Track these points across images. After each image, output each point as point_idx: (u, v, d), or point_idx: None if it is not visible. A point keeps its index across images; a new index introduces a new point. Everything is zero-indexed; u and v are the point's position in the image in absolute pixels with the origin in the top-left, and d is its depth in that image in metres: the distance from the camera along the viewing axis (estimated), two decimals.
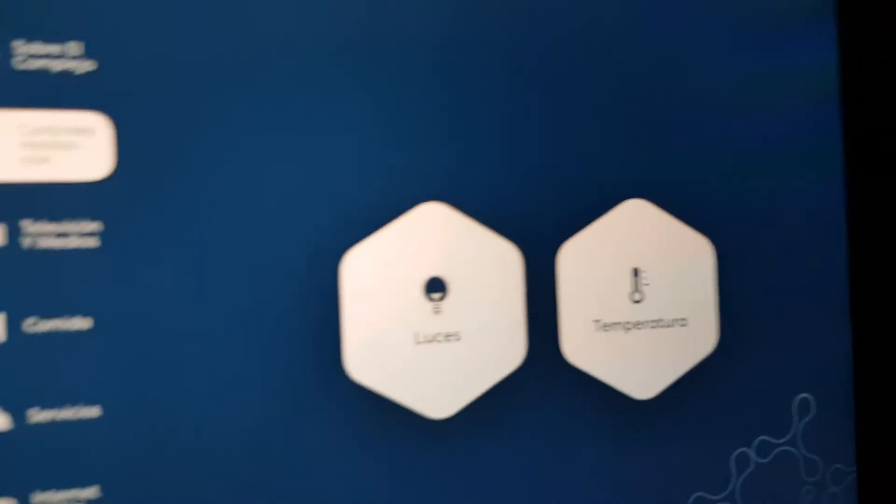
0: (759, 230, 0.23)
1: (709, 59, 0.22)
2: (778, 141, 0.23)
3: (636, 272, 0.22)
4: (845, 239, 0.23)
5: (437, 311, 0.20)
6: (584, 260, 0.21)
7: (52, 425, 0.17)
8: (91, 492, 0.17)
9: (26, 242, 0.17)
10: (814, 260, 0.23)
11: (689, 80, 0.22)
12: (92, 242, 0.17)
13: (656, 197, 0.22)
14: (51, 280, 0.17)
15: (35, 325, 0.17)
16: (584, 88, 0.21)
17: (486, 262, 0.21)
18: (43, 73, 0.17)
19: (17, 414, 0.17)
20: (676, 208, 0.22)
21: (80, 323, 0.17)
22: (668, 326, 0.22)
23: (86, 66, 0.17)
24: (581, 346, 0.21)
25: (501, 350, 0.21)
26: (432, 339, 0.20)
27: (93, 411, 0.17)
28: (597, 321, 0.21)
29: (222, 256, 0.18)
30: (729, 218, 0.22)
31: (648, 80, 0.22)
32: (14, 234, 0.17)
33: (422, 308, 0.20)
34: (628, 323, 0.22)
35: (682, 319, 0.22)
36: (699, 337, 0.22)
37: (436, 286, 0.20)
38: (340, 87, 0.19)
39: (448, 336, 0.20)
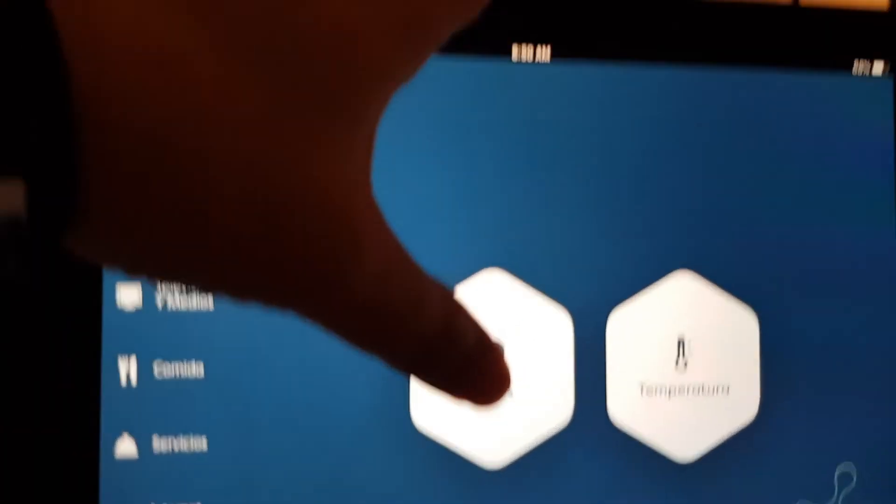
0: (803, 303, 0.24)
1: (754, 153, 0.24)
2: (821, 218, 0.24)
3: (681, 340, 0.23)
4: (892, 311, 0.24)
5: None
6: (631, 327, 0.23)
7: (171, 454, 0.20)
8: None
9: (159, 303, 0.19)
10: (856, 333, 0.24)
11: (738, 171, 0.24)
12: (209, 305, 0.20)
13: (703, 269, 0.23)
14: (175, 335, 0.20)
15: (160, 369, 0.20)
16: (645, 176, 0.23)
17: (539, 324, 0.22)
18: None
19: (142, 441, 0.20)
20: (723, 280, 0.23)
21: (196, 369, 0.20)
22: (711, 393, 0.23)
23: None
24: (626, 409, 0.23)
25: (551, 408, 0.22)
26: None
27: (201, 442, 0.20)
28: (642, 385, 0.23)
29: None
30: (774, 291, 0.24)
31: (701, 169, 0.23)
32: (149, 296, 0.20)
33: None
34: (672, 388, 0.23)
35: (725, 387, 0.23)
36: (741, 404, 0.24)
37: None
38: (432, 166, 0.21)
39: None
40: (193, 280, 0.13)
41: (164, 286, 0.18)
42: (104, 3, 0.11)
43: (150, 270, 0.12)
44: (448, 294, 0.17)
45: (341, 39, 0.13)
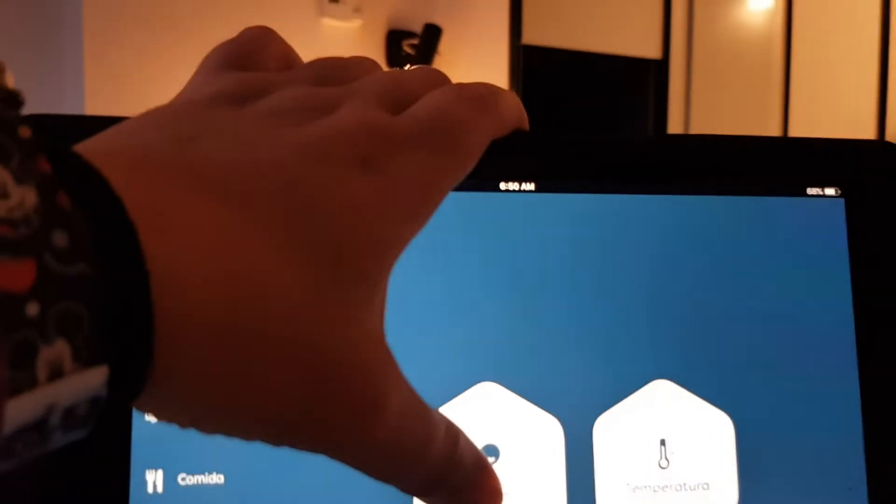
0: (773, 408, 0.26)
1: (721, 271, 0.27)
2: (788, 337, 0.27)
3: (663, 442, 0.26)
4: (859, 419, 0.27)
5: None
6: (616, 431, 0.25)
7: None
8: None
9: None
10: (825, 436, 0.26)
11: (708, 289, 0.26)
12: None
13: (680, 378, 0.26)
14: (195, 445, 0.22)
15: (184, 480, 0.22)
16: (623, 294, 0.26)
17: (533, 432, 0.25)
18: None
19: None
20: (698, 388, 0.26)
21: (215, 479, 0.23)
22: (693, 490, 0.26)
23: None
24: (613, 500, 0.25)
25: None
26: None
27: None
28: (628, 484, 0.25)
29: None
30: (745, 396, 0.26)
31: (674, 288, 0.26)
32: None
33: None
34: (656, 486, 0.25)
35: (705, 483, 0.26)
36: (721, 499, 0.26)
37: (489, 451, 0.25)
38: (430, 292, 0.24)
39: None
40: (243, 434, 0.16)
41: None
42: (181, 214, 0.14)
43: (204, 428, 0.15)
44: (451, 425, 0.20)
45: (364, 233, 0.17)
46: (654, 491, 0.25)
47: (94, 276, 0.13)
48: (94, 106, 2.17)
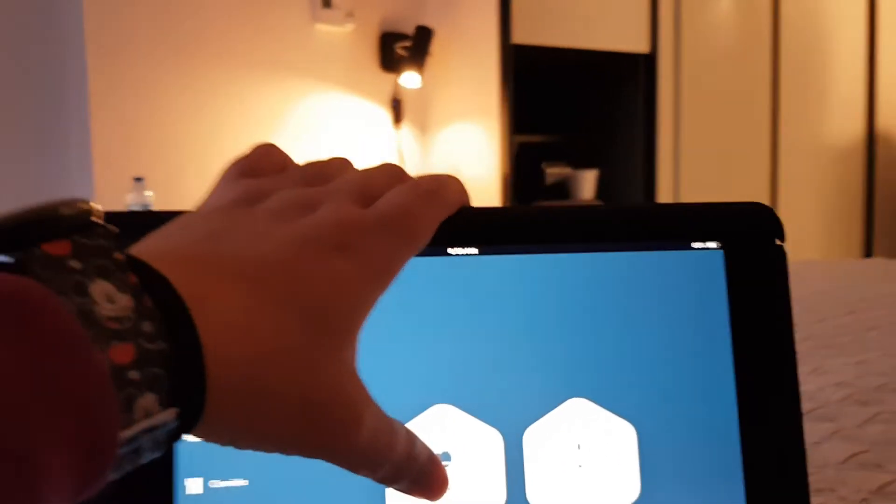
0: (666, 418, 0.34)
1: (623, 314, 0.34)
2: (679, 362, 0.34)
3: (579, 446, 0.33)
4: (737, 426, 0.34)
5: None
6: (542, 438, 0.33)
7: None
8: None
9: None
10: (708, 440, 0.34)
11: (612, 327, 0.34)
12: None
13: (592, 396, 0.33)
14: (224, 457, 0.30)
15: (215, 484, 0.30)
16: (546, 333, 0.33)
17: (478, 441, 0.32)
18: None
19: None
20: (606, 403, 0.33)
21: (241, 482, 0.30)
22: (604, 484, 0.33)
23: None
24: (542, 496, 0.33)
25: (490, 498, 0.32)
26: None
27: None
28: (552, 481, 0.33)
29: None
30: (644, 409, 0.34)
31: (588, 327, 0.34)
32: None
33: None
34: (574, 482, 0.33)
35: (614, 479, 0.33)
36: (627, 488, 0.33)
37: (444, 457, 0.32)
38: (394, 335, 0.32)
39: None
40: (265, 449, 0.24)
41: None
42: (224, 301, 0.21)
43: (238, 446, 0.23)
44: (409, 431, 0.27)
45: (343, 300, 0.24)
46: (573, 486, 0.33)
47: (169, 351, 0.20)
48: (99, 130, 2.23)
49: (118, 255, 0.20)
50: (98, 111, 2.22)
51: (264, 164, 0.29)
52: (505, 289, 0.34)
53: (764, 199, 3.20)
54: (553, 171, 3.01)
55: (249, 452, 0.30)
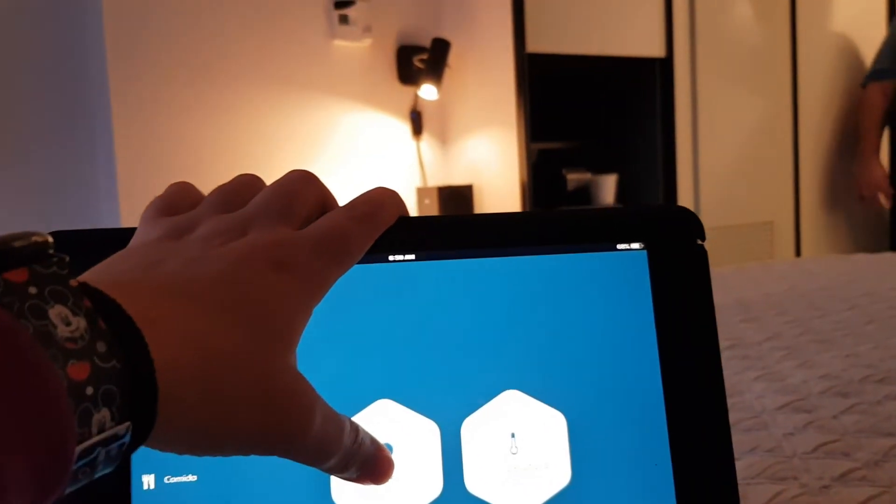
0: (594, 407, 0.36)
1: (554, 313, 0.37)
2: (605, 354, 0.37)
3: (513, 434, 0.36)
4: (663, 412, 0.37)
5: None
6: (479, 428, 0.36)
7: None
8: None
9: None
10: (635, 427, 0.36)
11: (544, 326, 0.37)
12: None
13: (525, 388, 0.36)
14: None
15: (169, 480, 0.33)
16: (482, 333, 0.36)
17: (417, 432, 0.35)
18: None
19: None
20: (538, 394, 0.36)
21: (191, 478, 0.33)
22: (536, 469, 0.36)
23: None
24: (478, 482, 0.35)
25: (428, 487, 0.35)
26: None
27: None
28: (488, 468, 0.35)
29: None
30: (574, 400, 0.36)
31: (522, 327, 0.36)
32: None
33: None
34: (509, 468, 0.36)
35: (546, 464, 0.36)
36: (558, 475, 0.36)
37: (387, 447, 0.35)
38: (339, 338, 0.35)
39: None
40: (222, 454, 0.26)
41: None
42: (170, 314, 0.24)
43: (196, 453, 0.25)
44: (353, 422, 0.30)
45: (282, 311, 0.27)
46: (508, 472, 0.36)
47: (122, 368, 0.22)
48: (124, 147, 2.29)
49: (73, 282, 0.22)
50: (121, 128, 2.29)
51: (179, 200, 0.32)
52: (442, 292, 0.37)
53: (788, 202, 3.19)
54: (574, 177, 3.03)
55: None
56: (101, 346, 0.21)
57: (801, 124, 3.23)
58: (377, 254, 0.36)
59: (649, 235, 0.38)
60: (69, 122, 2.31)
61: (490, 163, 2.81)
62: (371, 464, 0.31)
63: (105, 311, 0.22)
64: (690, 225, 0.38)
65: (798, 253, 3.25)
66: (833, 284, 1.30)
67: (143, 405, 0.22)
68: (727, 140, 3.08)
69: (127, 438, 0.22)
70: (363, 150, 2.71)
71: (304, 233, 0.30)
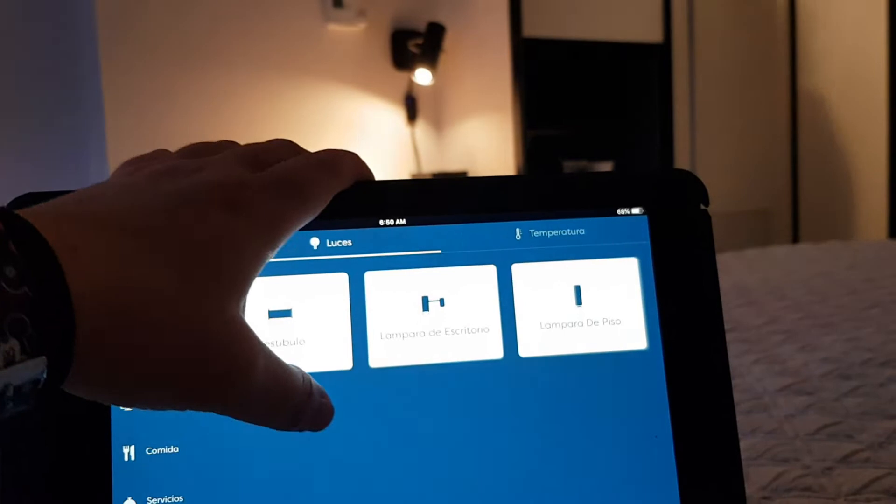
0: (591, 378, 0.35)
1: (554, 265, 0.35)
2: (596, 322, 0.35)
3: (424, 298, 0.34)
4: (665, 392, 0.35)
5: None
6: (385, 284, 0.34)
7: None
8: None
9: None
10: (633, 394, 0.35)
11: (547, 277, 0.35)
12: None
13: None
14: (156, 426, 0.32)
15: (150, 451, 0.32)
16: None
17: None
18: None
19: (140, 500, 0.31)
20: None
21: (173, 449, 0.32)
22: (466, 333, 0.34)
23: None
24: (375, 355, 0.33)
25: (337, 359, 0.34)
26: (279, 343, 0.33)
27: (178, 499, 0.32)
28: (384, 333, 0.34)
29: None
30: (573, 372, 0.35)
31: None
32: None
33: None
34: (418, 332, 0.34)
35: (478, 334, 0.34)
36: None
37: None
38: None
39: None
40: (152, 404, 0.24)
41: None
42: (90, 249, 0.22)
43: (123, 402, 0.23)
44: (304, 373, 0.28)
45: (227, 253, 0.25)
46: (416, 336, 0.34)
47: (33, 296, 0.20)
48: (115, 135, 2.27)
49: None
50: (113, 115, 2.27)
51: (154, 156, 0.30)
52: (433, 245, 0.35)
53: (786, 188, 3.18)
54: (569, 165, 3.01)
55: (182, 419, 0.32)
56: (9, 272, 0.19)
57: (800, 112, 3.21)
58: (368, 217, 0.35)
59: (650, 200, 0.36)
60: (61, 107, 2.28)
61: (485, 149, 2.78)
62: (319, 414, 0.29)
63: (19, 236, 0.20)
64: (693, 189, 0.36)
65: (795, 241, 3.24)
66: (832, 270, 1.29)
67: (58, 338, 0.20)
68: (724, 127, 3.06)
69: (43, 375, 0.20)
70: (357, 135, 2.69)
71: (261, 174, 0.28)
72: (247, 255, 0.26)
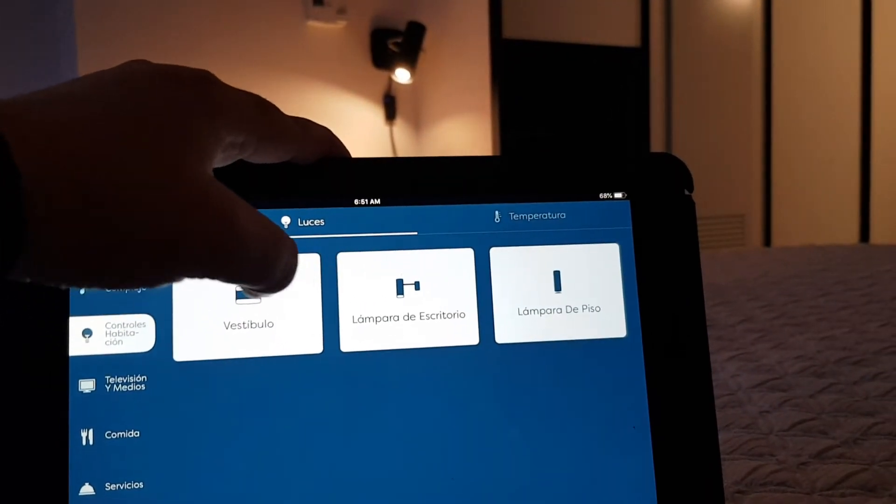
0: (572, 361, 0.34)
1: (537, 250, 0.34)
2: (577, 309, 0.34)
3: (400, 280, 0.33)
4: (643, 380, 0.34)
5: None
6: (359, 266, 0.33)
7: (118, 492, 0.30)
8: None
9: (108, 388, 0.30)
10: (612, 380, 0.34)
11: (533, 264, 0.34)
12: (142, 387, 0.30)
13: None
14: (116, 410, 0.30)
15: (109, 435, 0.30)
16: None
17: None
18: None
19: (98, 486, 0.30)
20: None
21: (133, 434, 0.30)
22: (443, 318, 0.33)
23: None
24: (348, 339, 0.32)
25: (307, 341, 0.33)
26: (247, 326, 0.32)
27: (138, 485, 0.30)
28: (357, 317, 0.33)
29: None
30: (552, 356, 0.34)
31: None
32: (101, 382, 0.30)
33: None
34: (393, 316, 0.33)
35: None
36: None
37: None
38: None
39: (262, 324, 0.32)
40: (123, 279, 0.22)
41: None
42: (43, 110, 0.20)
43: (86, 282, 0.21)
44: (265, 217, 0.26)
45: (195, 122, 0.24)
46: (391, 321, 0.33)
47: None
48: None
49: None
50: None
51: None
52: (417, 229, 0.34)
53: (758, 195, 3.21)
54: None
55: (144, 401, 0.30)
56: None
57: (774, 117, 3.24)
58: (342, 196, 0.34)
59: (633, 184, 0.35)
60: None
61: (463, 149, 2.78)
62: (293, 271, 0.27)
63: None
64: (677, 174, 0.36)
65: (768, 245, 3.27)
66: (805, 272, 1.29)
67: (10, 219, 0.19)
68: (700, 131, 3.08)
69: None
70: (335, 132, 2.67)
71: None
72: (205, 128, 0.25)
